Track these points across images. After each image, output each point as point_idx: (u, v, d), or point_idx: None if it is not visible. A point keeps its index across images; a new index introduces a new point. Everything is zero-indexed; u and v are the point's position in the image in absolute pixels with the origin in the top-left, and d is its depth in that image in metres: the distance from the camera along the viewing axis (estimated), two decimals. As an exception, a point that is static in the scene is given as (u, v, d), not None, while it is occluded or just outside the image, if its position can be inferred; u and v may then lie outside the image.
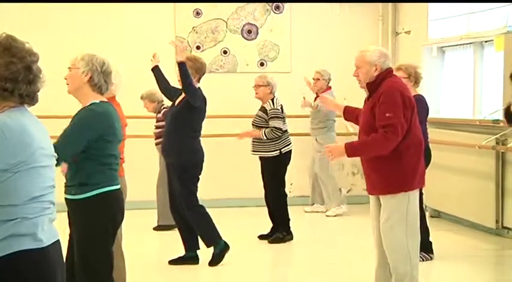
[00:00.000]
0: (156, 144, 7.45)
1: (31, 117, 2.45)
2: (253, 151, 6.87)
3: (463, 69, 8.04)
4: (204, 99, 5.84)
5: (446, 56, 8.44)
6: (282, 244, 6.75)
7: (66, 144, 3.44)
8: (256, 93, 6.85)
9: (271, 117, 6.71)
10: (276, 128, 6.68)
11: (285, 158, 6.81)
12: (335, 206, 8.25)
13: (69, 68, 3.66)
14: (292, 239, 6.86)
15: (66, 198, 3.66)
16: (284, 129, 6.78)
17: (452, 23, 8.04)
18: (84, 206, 3.59)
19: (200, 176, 5.86)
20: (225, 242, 5.89)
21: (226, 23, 8.96)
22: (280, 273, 6.19)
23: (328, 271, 5.89)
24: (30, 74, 2.40)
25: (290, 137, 6.94)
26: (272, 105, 6.76)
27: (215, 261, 5.84)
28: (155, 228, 7.42)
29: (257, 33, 9.04)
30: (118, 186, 3.69)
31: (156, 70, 6.20)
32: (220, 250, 5.86)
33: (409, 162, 4.36)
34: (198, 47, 8.91)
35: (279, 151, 6.74)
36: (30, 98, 2.43)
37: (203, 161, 5.86)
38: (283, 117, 6.81)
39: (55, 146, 3.26)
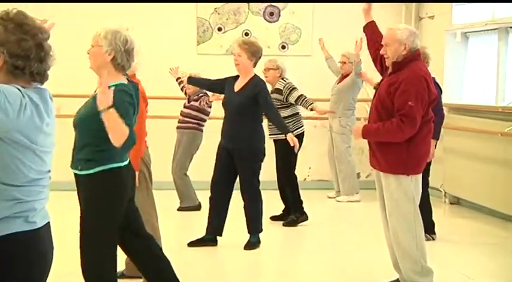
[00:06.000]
0: (178, 127, 7.46)
1: (47, 101, 2.42)
2: (270, 135, 6.93)
3: (487, 55, 7.94)
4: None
5: (470, 41, 8.34)
6: (296, 227, 6.77)
7: (127, 122, 3.43)
8: (266, 77, 6.90)
9: (289, 92, 6.82)
10: (299, 96, 6.82)
11: (298, 141, 6.83)
12: (348, 192, 8.21)
13: (92, 45, 3.63)
14: (307, 219, 6.87)
15: (74, 173, 3.66)
16: (298, 109, 6.88)
17: (477, 8, 7.93)
18: (90, 181, 3.58)
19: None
20: (259, 236, 5.97)
21: (248, 4, 8.91)
22: (293, 256, 6.18)
23: (341, 255, 5.89)
24: (41, 51, 2.36)
25: (303, 120, 7.04)
26: (284, 82, 6.88)
27: (251, 247, 5.88)
28: (179, 209, 7.45)
29: (279, 16, 8.99)
30: (125, 163, 3.67)
31: (191, 80, 6.34)
32: (257, 241, 5.94)
33: (417, 147, 4.38)
34: (219, 29, 8.88)
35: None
36: (41, 76, 2.39)
37: (265, 146, 5.96)
38: (297, 88, 6.90)
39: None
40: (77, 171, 3.62)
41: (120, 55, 3.60)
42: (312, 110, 6.92)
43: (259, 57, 5.91)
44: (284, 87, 6.82)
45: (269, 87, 6.94)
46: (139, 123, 3.95)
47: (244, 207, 5.93)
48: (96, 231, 3.61)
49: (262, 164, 5.86)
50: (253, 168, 5.82)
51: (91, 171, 3.55)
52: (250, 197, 5.89)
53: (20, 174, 2.32)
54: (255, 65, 5.89)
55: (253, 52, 5.82)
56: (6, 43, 2.31)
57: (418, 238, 4.44)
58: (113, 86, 3.52)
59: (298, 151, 6.88)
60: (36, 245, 2.39)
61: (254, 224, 5.93)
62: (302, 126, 6.91)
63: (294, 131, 6.79)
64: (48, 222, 2.48)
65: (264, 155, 5.87)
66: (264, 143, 5.89)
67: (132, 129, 3.45)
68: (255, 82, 5.83)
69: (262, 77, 6.83)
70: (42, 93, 2.40)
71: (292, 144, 5.71)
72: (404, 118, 4.24)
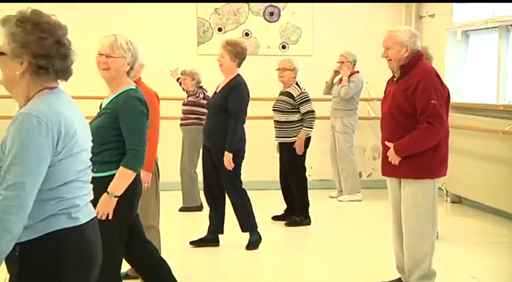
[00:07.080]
0: (181, 125, 7.47)
1: (68, 101, 2.40)
2: (277, 137, 6.93)
3: (488, 54, 7.93)
4: (247, 92, 5.79)
5: (471, 40, 8.32)
6: (298, 227, 6.76)
7: (140, 140, 3.56)
8: (282, 77, 6.87)
9: (302, 102, 6.75)
10: (308, 112, 6.74)
11: (304, 143, 6.82)
12: (350, 192, 8.20)
13: (107, 54, 3.63)
14: (309, 223, 6.86)
15: None
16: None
17: (478, 6, 7.92)
18: (104, 183, 3.58)
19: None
20: (259, 233, 5.93)
21: (248, 4, 8.90)
22: (294, 256, 6.17)
23: (343, 256, 5.88)
24: (62, 47, 2.34)
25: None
26: (299, 90, 6.79)
27: (252, 246, 5.87)
28: (180, 209, 7.47)
29: (279, 16, 8.98)
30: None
31: None
32: (257, 239, 5.91)
33: (439, 148, 4.32)
34: (219, 29, 8.87)
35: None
36: (64, 72, 2.37)
37: (245, 145, 5.86)
38: (311, 99, 6.84)
39: (134, 148, 3.53)
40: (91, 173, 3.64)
41: (135, 64, 3.70)
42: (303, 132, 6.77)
43: (244, 58, 5.82)
44: (298, 95, 6.74)
45: (279, 87, 6.96)
46: (153, 126, 4.00)
47: (233, 208, 5.91)
48: (108, 231, 3.61)
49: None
50: (233, 170, 5.71)
51: (106, 173, 3.59)
52: (235, 198, 5.86)
53: (58, 179, 2.31)
54: (239, 65, 5.82)
55: (237, 53, 5.75)
56: (28, 44, 2.28)
57: (432, 242, 4.41)
58: (123, 92, 3.62)
59: (304, 154, 6.87)
60: (79, 241, 2.37)
61: (245, 222, 5.89)
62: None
63: None
64: (93, 219, 2.47)
65: (244, 156, 5.79)
66: (245, 143, 5.81)
67: (146, 140, 3.60)
68: (233, 83, 5.74)
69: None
70: (62, 95, 2.39)
71: (226, 164, 5.60)
72: (431, 119, 4.17)
